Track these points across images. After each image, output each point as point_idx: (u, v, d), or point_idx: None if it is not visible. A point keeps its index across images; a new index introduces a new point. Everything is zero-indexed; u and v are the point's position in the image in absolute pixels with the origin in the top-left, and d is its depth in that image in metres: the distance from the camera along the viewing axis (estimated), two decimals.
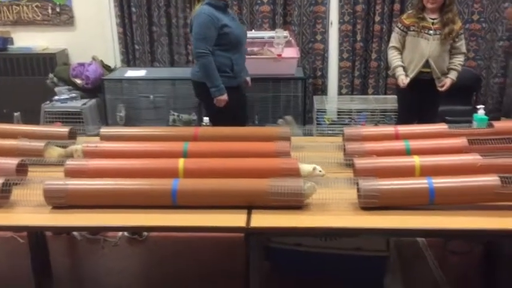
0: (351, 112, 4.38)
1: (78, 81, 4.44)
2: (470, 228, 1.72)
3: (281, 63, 4.13)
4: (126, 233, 2.93)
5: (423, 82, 3.44)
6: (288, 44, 4.20)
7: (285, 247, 2.46)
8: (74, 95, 4.39)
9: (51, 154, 2.21)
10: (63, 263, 2.75)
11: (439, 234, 1.98)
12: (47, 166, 2.12)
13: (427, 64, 3.40)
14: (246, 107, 3.58)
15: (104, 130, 2.39)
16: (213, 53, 3.11)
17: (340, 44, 4.64)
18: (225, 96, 3.16)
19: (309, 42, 4.66)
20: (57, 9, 4.75)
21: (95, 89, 4.45)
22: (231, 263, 2.62)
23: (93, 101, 4.45)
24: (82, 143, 2.20)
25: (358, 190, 1.80)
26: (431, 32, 3.36)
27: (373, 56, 4.61)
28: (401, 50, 3.51)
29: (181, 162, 1.95)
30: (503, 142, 2.12)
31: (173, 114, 4.29)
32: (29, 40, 4.78)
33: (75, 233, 2.90)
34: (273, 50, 4.14)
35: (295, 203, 1.79)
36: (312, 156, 2.18)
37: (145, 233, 2.91)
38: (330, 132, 4.03)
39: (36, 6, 4.76)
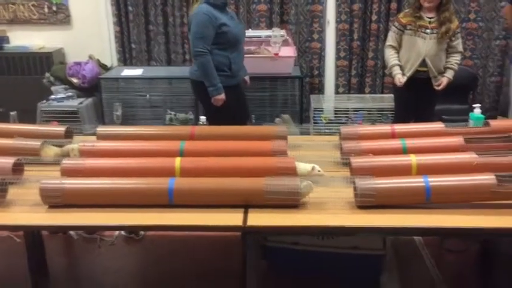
0: (348, 111, 4.38)
1: (74, 80, 4.43)
2: (466, 226, 1.72)
3: (278, 62, 4.13)
4: (122, 232, 2.92)
5: (420, 81, 3.45)
6: (285, 43, 4.20)
7: (282, 246, 2.46)
8: (70, 94, 4.38)
9: (48, 153, 2.21)
10: (59, 262, 2.74)
11: (435, 232, 1.99)
12: (43, 165, 2.12)
13: (423, 63, 3.41)
14: (247, 105, 3.56)
15: (101, 129, 2.38)
16: (211, 52, 3.10)
17: (337, 43, 4.64)
18: (222, 96, 3.15)
19: (306, 41, 4.66)
20: (54, 8, 4.73)
21: (91, 88, 4.44)
22: (228, 262, 2.62)
23: (90, 100, 4.44)
24: (78, 142, 2.19)
25: (355, 189, 1.80)
26: (428, 31, 3.37)
27: (370, 54, 4.61)
28: (398, 49, 3.52)
29: (177, 161, 1.95)
30: (500, 141, 2.13)
31: (170, 113, 4.29)
32: (25, 39, 4.77)
33: (71, 232, 2.90)
34: (270, 49, 4.13)
35: (292, 202, 1.79)
36: (309, 155, 2.18)
37: (141, 232, 2.91)
38: (326, 131, 4.05)
39: (33, 5, 4.74)
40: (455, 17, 3.47)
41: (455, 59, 3.46)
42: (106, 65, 4.66)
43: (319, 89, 4.77)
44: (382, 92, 4.68)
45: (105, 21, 4.73)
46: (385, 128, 2.42)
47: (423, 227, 1.74)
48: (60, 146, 2.26)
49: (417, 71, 3.43)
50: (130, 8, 4.63)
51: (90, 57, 4.58)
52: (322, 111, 4.41)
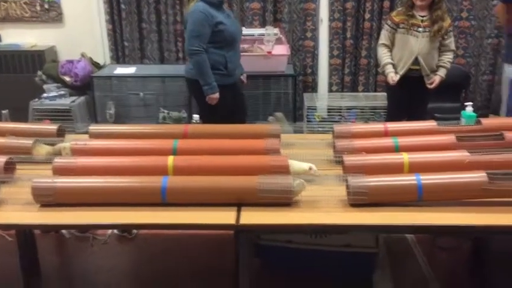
0: (341, 109, 4.39)
1: (67, 78, 4.41)
2: (458, 224, 1.74)
3: (271, 60, 4.13)
4: (115, 231, 2.91)
5: (412, 79, 3.46)
6: (278, 41, 4.20)
7: (275, 244, 2.46)
8: (62, 92, 4.36)
9: (39, 152, 2.20)
10: (51, 261, 2.73)
11: (427, 230, 2.01)
12: (35, 164, 2.11)
13: (416, 61, 3.42)
14: (244, 104, 3.55)
15: (93, 128, 2.37)
16: (207, 51, 3.09)
17: (331, 41, 4.65)
18: (216, 95, 3.15)
19: (299, 40, 4.66)
20: (46, 6, 4.70)
21: (84, 86, 4.42)
22: (221, 260, 2.62)
23: (82, 98, 4.42)
24: (70, 141, 2.18)
25: (347, 187, 1.81)
26: (420, 29, 3.38)
27: (363, 53, 4.62)
28: (390, 47, 3.52)
29: (170, 160, 1.94)
30: (491, 139, 2.15)
31: (163, 112, 4.27)
32: (17, 37, 4.73)
33: (63, 231, 2.89)
34: (263, 47, 4.13)
35: (285, 200, 1.79)
36: (302, 153, 2.18)
37: (134, 231, 2.90)
38: (320, 129, 4.06)
39: (25, 2, 4.71)
40: (447, 15, 3.49)
41: (448, 57, 3.48)
42: (98, 63, 4.64)
43: (313, 87, 4.77)
44: (375, 90, 4.69)
45: (97, 19, 4.71)
46: (378, 126, 2.43)
47: (415, 224, 1.75)
48: (52, 144, 2.25)
49: (410, 69, 3.44)
50: (122, 6, 4.61)
51: (83, 55, 4.56)
52: (315, 109, 4.42)
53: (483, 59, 4.62)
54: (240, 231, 1.77)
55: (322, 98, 4.62)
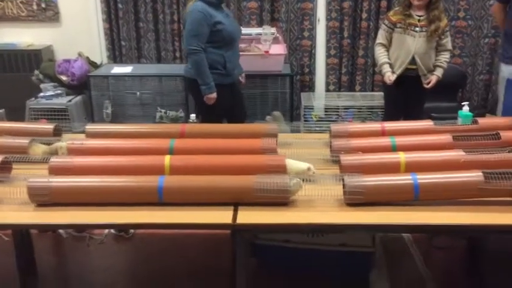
0: (338, 109, 4.39)
1: (63, 77, 4.39)
2: (454, 223, 1.74)
3: (268, 59, 4.12)
4: (112, 231, 2.91)
5: (409, 79, 3.46)
6: (275, 40, 4.20)
7: (272, 243, 2.47)
8: (59, 91, 4.35)
9: (36, 151, 2.19)
10: (48, 260, 2.73)
11: (423, 229, 2.02)
12: (31, 163, 2.10)
13: (413, 61, 3.42)
14: (243, 104, 3.54)
15: (90, 127, 2.37)
16: (206, 50, 3.09)
17: (328, 41, 4.64)
18: (214, 95, 3.15)
19: (296, 39, 4.66)
20: (42, 5, 4.69)
21: (80, 85, 4.41)
22: (218, 259, 2.62)
23: (79, 97, 4.41)
24: (67, 140, 2.18)
25: (344, 186, 1.81)
26: (417, 29, 3.38)
27: (360, 52, 4.62)
28: (388, 46, 3.53)
29: (167, 159, 1.94)
30: (487, 138, 2.15)
31: (160, 111, 4.27)
32: (14, 36, 4.72)
33: (60, 230, 2.88)
34: (260, 47, 4.13)
35: (281, 200, 1.80)
36: (299, 152, 2.19)
37: (131, 231, 2.90)
38: (317, 128, 4.04)
39: (21, 2, 4.69)
40: (444, 15, 3.49)
41: (445, 57, 3.48)
42: (95, 63, 4.63)
43: (310, 87, 4.77)
44: (373, 90, 4.69)
45: (94, 18, 4.70)
46: (375, 125, 2.43)
47: (411, 224, 1.75)
48: (49, 144, 2.25)
49: (407, 69, 3.44)
50: (120, 5, 4.60)
51: (80, 54, 4.55)
52: (312, 109, 4.41)
53: (480, 59, 4.63)
54: (237, 230, 1.77)
55: (319, 98, 4.62)
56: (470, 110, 2.59)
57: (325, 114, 4.43)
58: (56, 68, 4.42)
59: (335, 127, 2.37)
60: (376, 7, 4.49)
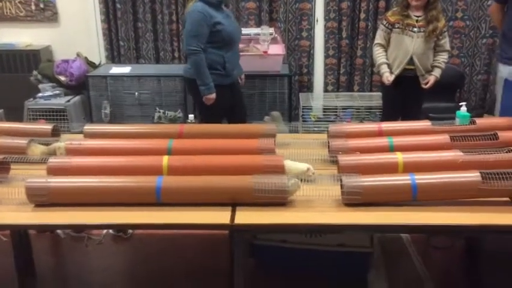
0: (337, 109, 4.40)
1: (62, 78, 4.40)
2: (452, 224, 1.74)
3: (267, 60, 4.13)
4: (110, 231, 2.91)
5: (407, 79, 3.47)
6: (273, 40, 4.21)
7: (270, 244, 2.47)
8: (57, 92, 4.35)
9: (34, 152, 2.19)
10: (46, 261, 2.72)
11: (421, 230, 2.02)
12: (30, 164, 2.10)
13: (411, 61, 3.43)
14: (242, 105, 3.53)
15: (88, 127, 2.37)
16: (205, 50, 3.09)
17: (326, 41, 4.65)
18: (213, 95, 3.15)
19: (294, 39, 4.67)
20: (41, 5, 4.69)
21: (79, 85, 4.42)
22: (216, 260, 2.62)
23: (78, 98, 4.41)
24: (65, 141, 2.18)
25: (342, 187, 1.81)
26: (415, 29, 3.39)
27: (359, 53, 4.63)
28: (386, 47, 3.53)
29: (165, 160, 1.94)
30: (485, 138, 2.15)
31: (159, 111, 4.27)
32: (12, 36, 4.72)
33: (58, 231, 2.88)
34: (259, 47, 4.14)
35: (279, 200, 1.79)
36: (297, 153, 2.19)
37: (130, 231, 2.90)
38: (315, 129, 4.06)
39: (20, 2, 4.70)
40: (442, 15, 3.50)
41: (443, 57, 3.49)
42: (94, 63, 4.63)
43: (308, 87, 4.78)
44: (371, 90, 4.70)
45: (93, 19, 4.70)
46: (372, 126, 2.43)
47: (409, 224, 1.75)
48: (47, 144, 2.24)
49: (405, 69, 3.45)
50: (118, 6, 4.60)
51: (78, 54, 4.55)
52: (311, 109, 4.42)
53: (478, 59, 4.64)
54: (235, 231, 1.77)
55: (317, 98, 4.63)
56: (468, 110, 2.60)
57: (324, 115, 4.43)
58: (55, 68, 4.42)
59: (333, 127, 2.37)
60: (374, 7, 4.50)
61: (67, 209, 1.79)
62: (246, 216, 1.75)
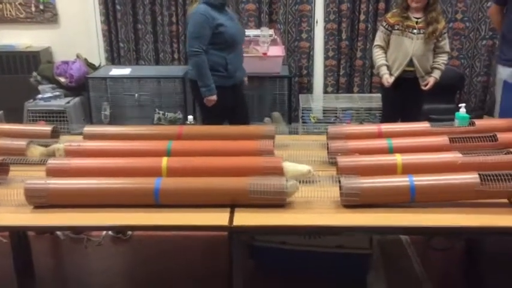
0: (336, 110, 4.40)
1: (62, 79, 4.40)
2: (451, 225, 1.74)
3: (267, 61, 4.13)
4: (110, 232, 2.91)
5: (407, 81, 3.47)
6: (273, 42, 4.21)
7: (269, 245, 2.46)
8: (57, 93, 4.35)
9: (33, 153, 2.19)
10: (46, 262, 2.72)
11: (421, 231, 2.02)
12: (29, 165, 2.10)
13: (411, 63, 3.43)
14: (245, 107, 3.53)
15: (87, 129, 2.37)
16: (207, 52, 3.10)
17: (326, 43, 4.65)
18: (214, 97, 3.15)
19: (294, 41, 4.67)
20: (41, 7, 4.70)
21: (79, 87, 4.42)
22: (215, 261, 2.62)
23: (77, 99, 4.41)
24: (64, 142, 2.18)
25: (340, 188, 1.81)
26: (415, 31, 3.39)
27: (359, 54, 4.63)
28: (385, 48, 3.53)
29: (164, 161, 1.94)
30: (484, 140, 2.15)
31: (158, 113, 4.27)
32: (12, 38, 4.72)
33: (58, 232, 2.88)
34: (259, 49, 4.14)
35: (278, 201, 1.79)
36: (297, 154, 2.19)
37: (129, 232, 2.90)
38: (315, 130, 4.06)
39: (20, 3, 4.70)
40: (442, 17, 3.50)
41: (442, 59, 3.49)
42: (94, 64, 4.63)
43: (308, 89, 4.78)
44: (371, 92, 4.70)
45: (93, 20, 4.71)
46: (372, 127, 2.44)
47: (409, 226, 1.75)
48: (46, 145, 2.24)
49: (404, 70, 3.45)
50: (118, 7, 4.61)
51: (78, 56, 4.55)
52: (310, 110, 4.42)
53: (478, 61, 4.64)
54: (234, 232, 1.77)
55: (317, 99, 4.63)
56: (467, 112, 2.60)
57: (324, 116, 4.44)
58: (54, 69, 4.42)
59: (332, 129, 2.37)
60: (374, 9, 4.50)
61: (66, 211, 1.79)
62: (245, 218, 1.75)
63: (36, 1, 4.68)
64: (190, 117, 3.12)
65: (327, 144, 2.23)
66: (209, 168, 1.93)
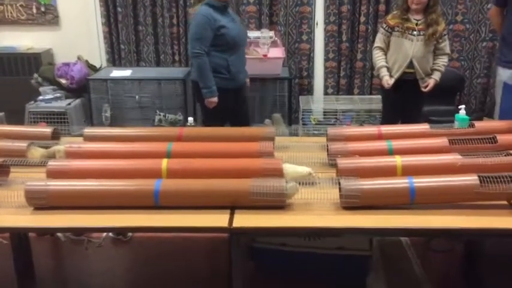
0: (337, 112, 4.40)
1: (63, 81, 4.41)
2: (450, 227, 1.74)
3: (267, 63, 4.14)
4: (110, 234, 2.91)
5: (407, 82, 3.47)
6: (273, 44, 4.21)
7: (269, 247, 2.47)
8: (58, 95, 4.36)
9: (34, 155, 2.20)
10: (46, 264, 2.73)
11: (421, 233, 2.01)
12: (30, 167, 2.11)
13: (411, 65, 3.43)
14: (246, 109, 3.53)
15: (87, 130, 2.38)
16: (209, 54, 3.10)
17: (326, 44, 4.66)
18: (215, 99, 3.15)
19: (294, 43, 4.68)
20: (42, 9, 4.71)
21: (80, 89, 4.42)
22: (216, 263, 2.62)
23: (78, 101, 4.42)
24: (65, 144, 2.19)
25: (340, 190, 1.81)
26: (415, 32, 3.39)
27: (359, 56, 4.64)
28: (386, 50, 3.53)
29: (164, 163, 1.95)
30: (483, 142, 2.15)
31: (159, 114, 4.28)
32: (13, 40, 4.73)
33: (58, 234, 2.88)
34: (259, 50, 4.15)
35: (278, 203, 1.80)
36: (296, 156, 2.19)
37: (129, 234, 2.90)
38: (315, 132, 4.06)
39: (21, 5, 4.71)
40: (442, 19, 3.50)
41: (442, 60, 3.49)
42: (95, 66, 4.64)
43: (308, 90, 4.78)
44: (371, 93, 4.70)
45: (93, 22, 4.71)
46: (372, 129, 2.44)
47: (409, 227, 1.75)
48: (47, 147, 2.25)
49: (404, 72, 3.45)
50: (119, 9, 4.61)
51: (79, 58, 4.56)
52: (311, 112, 4.43)
53: (478, 62, 4.65)
54: (234, 234, 1.77)
55: (317, 101, 4.63)
56: (467, 114, 2.60)
57: (324, 118, 4.44)
58: (55, 71, 4.43)
59: (331, 131, 2.38)
60: (374, 11, 4.51)
61: (66, 212, 1.79)
62: (245, 220, 1.75)
63: (37, 3, 4.69)
64: (190, 118, 3.12)
65: (327, 146, 2.23)
66: (209, 170, 1.93)
